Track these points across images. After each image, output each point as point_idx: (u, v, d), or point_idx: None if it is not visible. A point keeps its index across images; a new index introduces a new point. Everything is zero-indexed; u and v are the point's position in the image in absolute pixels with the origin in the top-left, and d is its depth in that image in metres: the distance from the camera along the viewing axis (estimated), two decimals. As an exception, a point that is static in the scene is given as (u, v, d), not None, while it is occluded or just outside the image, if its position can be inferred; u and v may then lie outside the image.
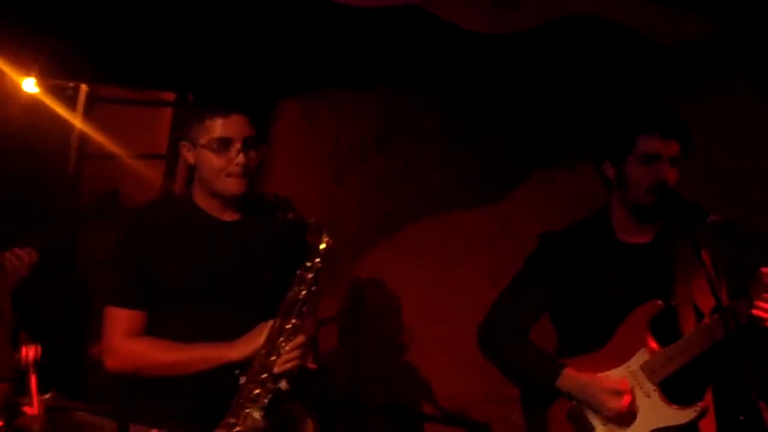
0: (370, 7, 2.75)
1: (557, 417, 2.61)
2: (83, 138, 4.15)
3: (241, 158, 2.40)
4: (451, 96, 4.32)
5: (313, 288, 2.39)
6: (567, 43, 3.43)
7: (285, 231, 2.50)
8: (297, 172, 4.73)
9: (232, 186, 2.43)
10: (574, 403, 2.57)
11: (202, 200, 2.50)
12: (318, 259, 2.39)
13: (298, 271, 2.39)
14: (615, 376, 2.56)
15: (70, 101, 4.21)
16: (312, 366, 3.02)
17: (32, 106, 4.10)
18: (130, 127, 4.47)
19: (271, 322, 2.37)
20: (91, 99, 4.21)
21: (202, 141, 2.42)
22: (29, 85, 3.98)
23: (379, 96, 4.54)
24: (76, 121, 4.11)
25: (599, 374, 2.56)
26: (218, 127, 2.41)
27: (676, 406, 2.51)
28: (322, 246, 2.39)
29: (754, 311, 2.40)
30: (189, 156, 2.48)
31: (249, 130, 2.44)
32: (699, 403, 2.49)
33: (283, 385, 2.31)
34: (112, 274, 2.48)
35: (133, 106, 4.53)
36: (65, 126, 4.22)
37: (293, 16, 3.57)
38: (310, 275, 2.38)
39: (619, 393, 2.50)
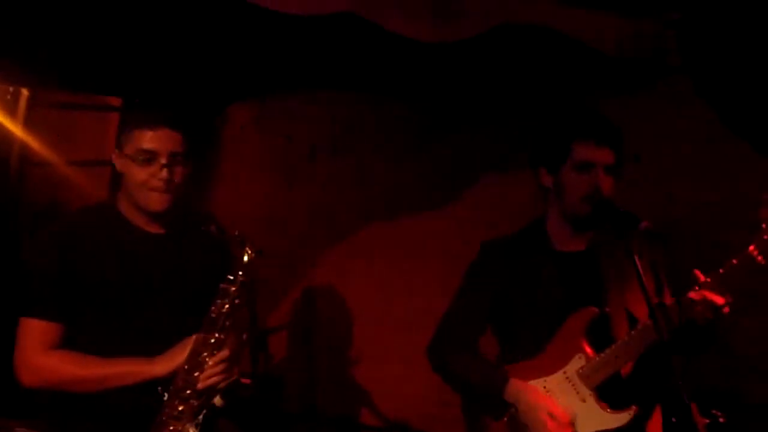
0: (303, 15, 2.73)
1: (497, 423, 2.64)
2: (24, 145, 4.04)
3: (164, 173, 2.37)
4: (403, 100, 4.32)
5: (237, 301, 2.37)
6: (513, 49, 3.45)
7: (210, 244, 2.48)
8: (248, 177, 4.70)
9: (153, 201, 2.40)
10: (512, 409, 2.60)
11: (127, 210, 2.47)
12: (241, 272, 2.37)
13: (221, 285, 2.37)
14: (552, 381, 2.59)
15: (11, 106, 4.10)
16: (245, 381, 2.99)
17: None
18: (74, 133, 4.39)
19: (194, 337, 2.35)
20: (32, 104, 4.11)
21: (128, 151, 2.40)
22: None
23: (330, 99, 4.53)
24: (17, 128, 4.01)
25: (546, 382, 2.59)
26: (145, 139, 2.38)
27: (611, 410, 2.54)
28: (245, 258, 2.37)
29: (696, 307, 2.41)
30: (117, 163, 2.46)
31: (177, 145, 2.41)
32: (633, 406, 2.52)
33: (217, 400, 2.30)
34: (29, 284, 2.42)
35: (77, 111, 4.43)
36: (5, 132, 4.10)
37: (239, 20, 3.54)
38: (233, 288, 2.37)
39: (559, 422, 2.52)
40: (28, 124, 4.06)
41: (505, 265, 2.72)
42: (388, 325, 4.37)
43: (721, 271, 2.44)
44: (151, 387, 2.34)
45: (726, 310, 2.43)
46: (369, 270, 4.46)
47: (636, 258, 2.33)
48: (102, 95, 4.50)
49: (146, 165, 2.38)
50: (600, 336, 2.58)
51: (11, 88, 4.06)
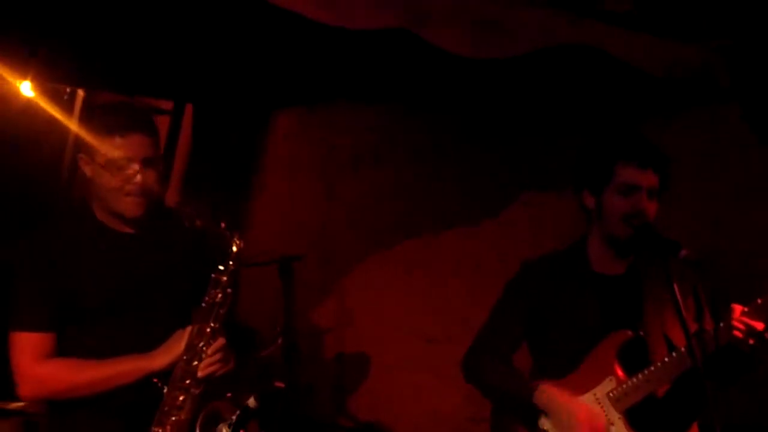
0: (360, 29, 2.76)
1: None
2: (79, 142, 4.15)
3: (138, 179, 2.34)
4: (446, 113, 4.33)
5: (229, 290, 2.38)
6: (558, 67, 3.45)
7: (194, 238, 2.49)
8: (289, 185, 4.75)
9: (129, 206, 2.38)
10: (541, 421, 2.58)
11: (102, 215, 2.44)
12: (231, 262, 2.38)
13: (212, 275, 2.38)
14: (583, 402, 2.57)
15: (68, 106, 4.21)
16: (279, 384, 3.02)
17: (29, 109, 4.11)
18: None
19: (189, 329, 2.36)
20: (87, 105, 4.22)
21: (99, 159, 2.35)
22: (26, 88, 4.00)
23: (373, 110, 4.56)
24: (72, 126, 4.10)
25: (577, 398, 2.57)
26: (116, 146, 2.32)
27: None
28: (234, 248, 2.38)
29: (734, 331, 2.41)
30: (87, 170, 2.41)
31: (149, 149, 2.37)
32: None
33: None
34: (16, 296, 2.38)
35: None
36: (62, 130, 4.22)
37: (286, 29, 3.59)
38: (224, 278, 2.38)
39: (594, 426, 2.50)
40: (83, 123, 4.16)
41: (544, 284, 2.72)
42: (420, 337, 4.38)
43: (759, 301, 2.43)
44: (147, 380, 2.36)
45: (767, 335, 2.41)
46: (404, 281, 4.48)
47: (674, 284, 2.32)
48: (153, 98, 4.60)
49: (119, 172, 2.34)
50: (636, 360, 2.57)
51: (68, 89, 4.17)
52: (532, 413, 2.60)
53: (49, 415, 2.48)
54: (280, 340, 4.04)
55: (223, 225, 2.40)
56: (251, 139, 4.82)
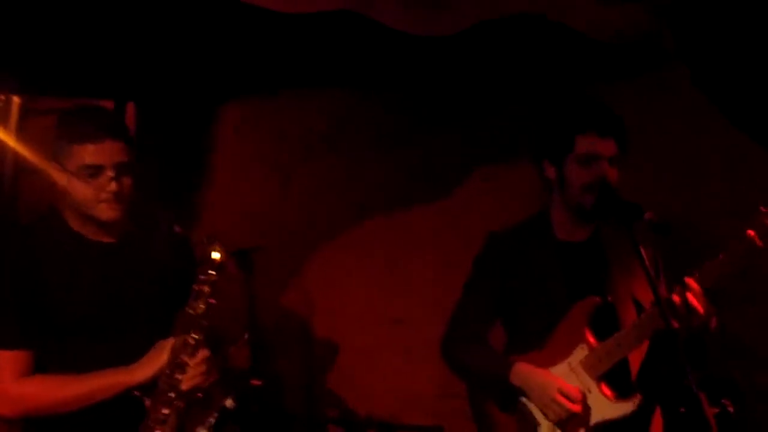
0: (302, 12, 2.72)
1: (505, 414, 2.64)
2: (18, 154, 4.00)
3: (113, 186, 2.28)
4: (397, 95, 4.31)
5: (211, 300, 2.32)
6: (508, 40, 3.45)
7: (173, 245, 2.44)
8: (241, 176, 4.68)
9: (106, 212, 2.31)
10: (521, 399, 2.60)
11: (74, 222, 2.37)
12: (212, 271, 2.32)
13: (193, 286, 2.32)
14: (557, 372, 2.59)
15: (3, 114, 4.06)
16: (256, 382, 2.98)
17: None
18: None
19: (171, 340, 2.31)
20: (24, 111, 4.07)
21: (71, 167, 2.28)
22: (-44, 98, 3.85)
23: (323, 96, 4.51)
24: (10, 135, 3.97)
25: (551, 372, 2.58)
26: (88, 153, 2.26)
27: (615, 400, 2.54)
28: (216, 256, 2.32)
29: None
30: (59, 178, 2.33)
31: (122, 155, 2.30)
32: (637, 395, 2.52)
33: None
34: None
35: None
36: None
37: (229, 18, 3.53)
38: (206, 288, 2.32)
39: (570, 397, 2.52)
40: (22, 132, 4.02)
41: (510, 256, 2.72)
42: (387, 319, 4.38)
43: (721, 256, 2.45)
44: (127, 394, 2.30)
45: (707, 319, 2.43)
46: (365, 266, 4.46)
47: (641, 247, 2.34)
48: (95, 99, 4.47)
49: (93, 180, 2.28)
50: (606, 325, 2.58)
51: (2, 96, 4.03)
52: (512, 393, 2.61)
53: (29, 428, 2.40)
54: (246, 335, 3.99)
55: (204, 232, 2.34)
56: (199, 134, 4.74)
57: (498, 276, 2.72)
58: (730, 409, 2.62)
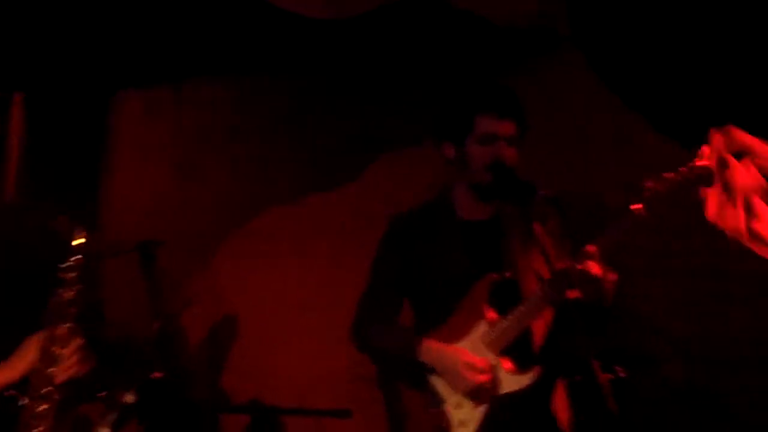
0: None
1: (416, 393, 2.68)
2: None
3: None
4: (299, 81, 4.29)
5: (79, 286, 2.28)
6: (408, 23, 3.48)
7: (38, 237, 2.39)
8: (141, 167, 4.58)
9: None
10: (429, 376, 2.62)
11: None
12: (74, 258, 2.28)
13: (58, 274, 2.28)
14: (464, 349, 2.61)
15: None
16: (157, 375, 2.91)
17: None
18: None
19: (39, 334, 2.26)
20: None
21: None
22: None
23: (222, 84, 4.45)
24: None
25: (457, 347, 2.61)
26: None
27: (514, 372, 2.58)
28: (77, 242, 2.28)
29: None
30: None
31: None
32: (536, 367, 2.57)
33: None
34: None
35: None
36: None
37: (124, 4, 3.44)
38: (72, 274, 2.28)
39: (476, 369, 2.55)
40: None
41: (413, 237, 2.75)
42: (293, 305, 4.36)
43: (612, 226, 2.46)
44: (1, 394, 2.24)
45: (607, 285, 2.46)
46: (269, 253, 4.42)
47: (536, 224, 2.40)
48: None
49: None
50: (509, 302, 2.62)
51: None
52: (422, 372, 2.63)
53: None
54: (155, 327, 3.92)
55: (63, 218, 2.28)
56: (95, 125, 4.60)
57: (402, 256, 2.75)
58: (622, 374, 2.71)
